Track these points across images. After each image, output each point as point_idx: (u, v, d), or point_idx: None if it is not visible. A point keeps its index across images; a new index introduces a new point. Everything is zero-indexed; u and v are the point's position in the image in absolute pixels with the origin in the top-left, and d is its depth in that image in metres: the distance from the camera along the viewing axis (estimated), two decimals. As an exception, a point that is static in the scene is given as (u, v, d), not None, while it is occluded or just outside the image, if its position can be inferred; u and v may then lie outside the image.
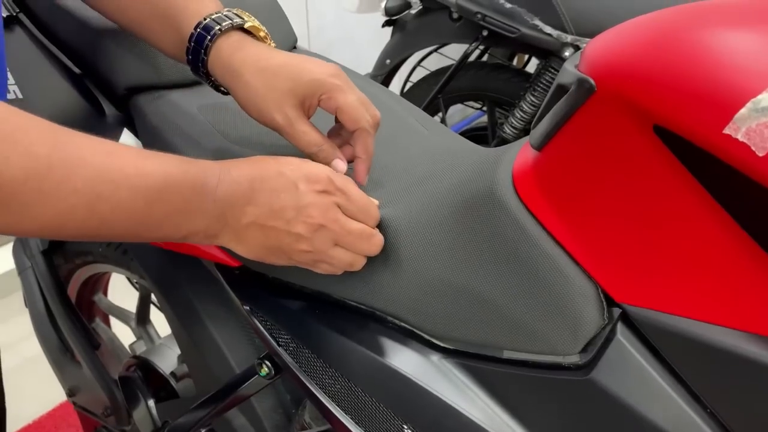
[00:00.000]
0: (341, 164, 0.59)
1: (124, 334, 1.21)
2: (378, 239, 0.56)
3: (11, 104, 0.48)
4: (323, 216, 0.53)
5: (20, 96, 0.69)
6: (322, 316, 0.62)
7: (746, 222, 0.40)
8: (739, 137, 0.36)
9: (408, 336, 0.58)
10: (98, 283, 1.18)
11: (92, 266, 1.09)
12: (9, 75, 0.70)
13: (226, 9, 0.61)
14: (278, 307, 0.65)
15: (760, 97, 0.36)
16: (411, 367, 0.57)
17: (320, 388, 0.61)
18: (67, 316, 1.02)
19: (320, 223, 0.53)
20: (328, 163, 0.58)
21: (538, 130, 0.51)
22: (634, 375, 0.47)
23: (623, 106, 0.43)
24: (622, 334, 0.47)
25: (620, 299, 0.47)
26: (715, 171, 0.39)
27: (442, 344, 0.56)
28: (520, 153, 0.54)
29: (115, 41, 0.69)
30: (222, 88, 0.63)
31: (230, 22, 0.59)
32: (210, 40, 0.59)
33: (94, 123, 0.70)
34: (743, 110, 0.36)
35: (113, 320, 1.24)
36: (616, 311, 0.48)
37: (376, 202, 0.57)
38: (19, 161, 0.41)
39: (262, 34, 0.62)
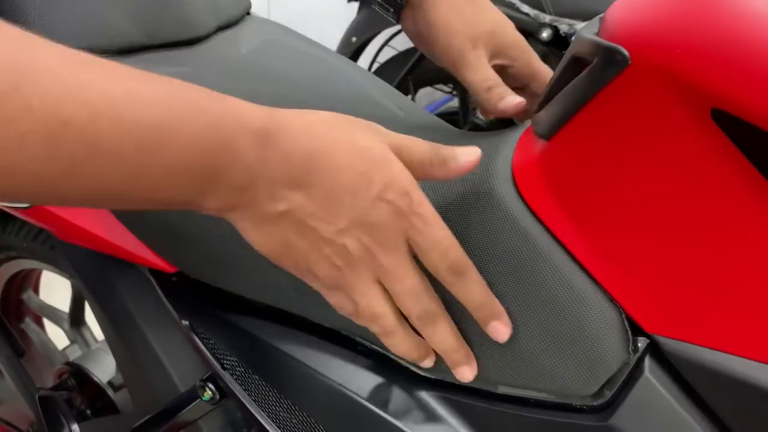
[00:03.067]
0: (514, 100, 0.53)
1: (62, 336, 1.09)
2: (445, 331, 0.41)
3: None
4: (387, 241, 0.38)
5: None
6: (276, 335, 0.51)
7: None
8: None
9: (380, 362, 0.48)
10: (27, 280, 1.05)
11: (18, 261, 0.96)
12: None
13: None
14: (223, 323, 0.54)
15: None
16: (384, 400, 0.46)
17: (273, 421, 0.51)
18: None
19: (379, 249, 0.38)
20: (497, 102, 0.53)
21: (546, 115, 0.41)
22: (666, 421, 0.37)
23: (668, 83, 0.33)
24: (652, 372, 0.38)
25: (650, 329, 0.37)
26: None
27: (422, 373, 0.46)
28: (522, 141, 0.44)
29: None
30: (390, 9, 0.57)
31: None
32: None
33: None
34: None
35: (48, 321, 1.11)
36: (644, 343, 0.38)
37: (466, 259, 0.40)
38: None
39: None
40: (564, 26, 1.45)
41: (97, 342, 1.02)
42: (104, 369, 0.93)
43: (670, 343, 0.37)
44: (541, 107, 0.43)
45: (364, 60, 1.92)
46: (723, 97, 0.31)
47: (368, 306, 0.39)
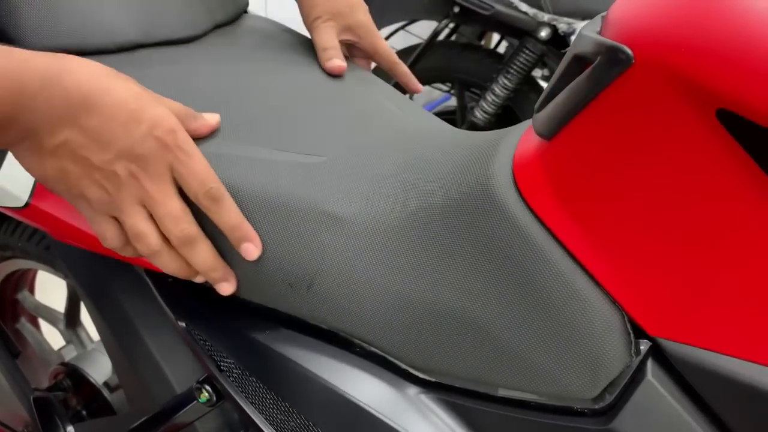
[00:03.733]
0: (337, 62, 0.66)
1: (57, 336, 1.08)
2: (202, 252, 0.47)
3: None
4: (153, 170, 0.43)
5: None
6: (273, 337, 0.50)
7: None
8: None
9: (379, 364, 0.47)
10: (22, 280, 1.04)
11: (13, 261, 0.95)
12: None
13: None
14: (220, 325, 0.53)
15: None
16: (382, 402, 0.46)
17: (270, 423, 0.50)
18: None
19: (145, 176, 0.43)
20: (325, 62, 0.66)
21: (547, 113, 0.41)
22: (668, 425, 0.37)
23: (673, 83, 0.32)
24: (654, 375, 0.37)
25: (654, 332, 0.37)
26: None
27: (420, 375, 0.46)
28: (522, 140, 0.44)
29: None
30: None
31: None
32: None
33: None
34: None
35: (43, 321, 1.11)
36: (646, 345, 0.38)
37: (222, 189, 0.45)
38: None
39: None
40: (563, 25, 1.44)
41: (93, 342, 1.02)
42: (100, 370, 0.93)
43: (672, 346, 0.36)
44: (542, 106, 0.42)
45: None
46: (728, 97, 0.30)
47: (133, 225, 0.44)
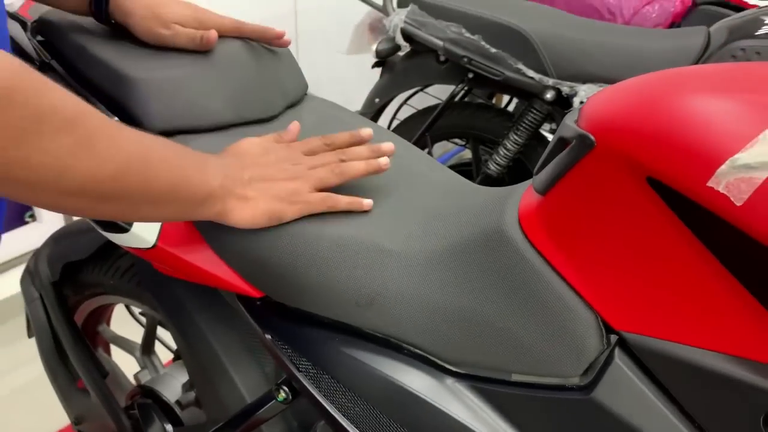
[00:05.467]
0: (211, 34, 0.80)
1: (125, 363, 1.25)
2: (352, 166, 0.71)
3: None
4: (292, 157, 0.70)
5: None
6: (342, 343, 0.67)
7: (727, 260, 0.47)
8: (721, 189, 0.43)
9: (423, 361, 0.63)
10: (103, 314, 1.22)
11: (101, 298, 1.12)
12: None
13: None
14: (298, 336, 0.70)
15: (737, 156, 0.43)
16: (426, 389, 0.62)
17: (339, 410, 0.66)
18: (76, 347, 1.06)
19: (299, 168, 0.69)
20: (207, 46, 0.80)
21: (542, 177, 0.58)
22: (631, 395, 0.53)
23: (620, 159, 0.49)
24: (620, 358, 0.54)
25: (618, 327, 0.53)
26: (700, 217, 0.46)
27: (454, 369, 0.62)
28: (525, 195, 0.61)
29: (146, 87, 0.75)
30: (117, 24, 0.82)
31: None
32: None
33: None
34: (723, 167, 0.43)
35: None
36: (614, 337, 0.54)
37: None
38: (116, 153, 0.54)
39: None
40: (565, 88, 1.62)
41: (165, 367, 1.18)
42: (172, 390, 1.09)
43: (632, 337, 0.53)
44: (538, 171, 0.60)
45: (385, 117, 2.10)
46: (654, 168, 0.47)
47: (315, 173, 0.69)
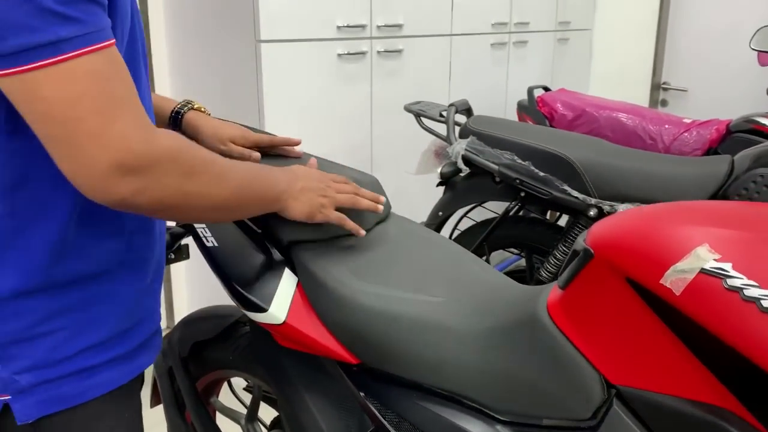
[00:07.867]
0: (256, 154, 1.13)
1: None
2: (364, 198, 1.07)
3: (211, 250, 0.84)
4: (328, 187, 1.02)
5: (216, 244, 1.05)
6: (418, 397, 0.91)
7: (683, 337, 0.70)
8: (667, 285, 0.67)
9: (478, 411, 0.87)
10: (216, 387, 1.48)
11: (218, 372, 1.39)
12: (208, 231, 1.07)
13: (184, 100, 1.16)
14: (384, 392, 0.95)
15: (678, 263, 0.67)
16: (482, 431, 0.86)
17: (417, 450, 0.90)
18: (200, 416, 1.32)
19: (329, 189, 1.02)
20: (244, 156, 1.12)
21: (563, 278, 0.83)
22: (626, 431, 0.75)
23: (609, 266, 0.75)
24: (617, 405, 0.76)
25: (615, 381, 0.76)
26: (660, 306, 0.70)
27: (501, 417, 0.85)
28: (552, 290, 0.86)
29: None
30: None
31: (190, 105, 1.16)
32: (181, 116, 1.14)
33: (266, 265, 1.04)
34: (669, 271, 0.68)
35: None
36: (612, 390, 0.77)
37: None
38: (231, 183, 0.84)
39: (203, 109, 1.17)
40: (606, 206, 1.86)
41: (265, 432, 1.42)
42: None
43: (625, 389, 0.76)
44: (561, 272, 0.85)
45: (447, 228, 2.38)
46: (629, 272, 0.72)
47: (335, 196, 1.02)
